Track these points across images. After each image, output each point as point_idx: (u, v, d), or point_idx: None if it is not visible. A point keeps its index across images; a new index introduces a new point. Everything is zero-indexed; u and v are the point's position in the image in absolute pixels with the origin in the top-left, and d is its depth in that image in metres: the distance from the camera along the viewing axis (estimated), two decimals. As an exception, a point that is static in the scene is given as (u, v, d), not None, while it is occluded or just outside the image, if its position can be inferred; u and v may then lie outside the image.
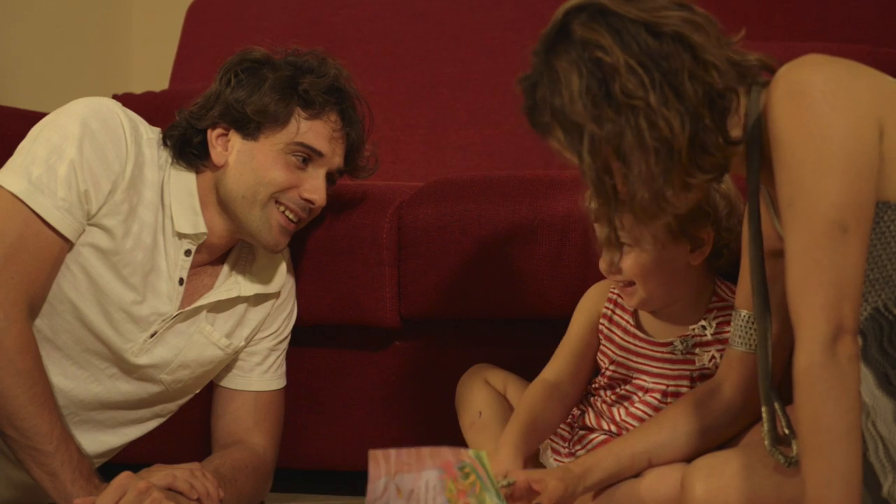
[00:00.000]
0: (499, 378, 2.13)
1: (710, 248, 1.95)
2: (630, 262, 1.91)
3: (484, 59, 3.14)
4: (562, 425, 2.06)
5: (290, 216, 2.06)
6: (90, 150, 1.95)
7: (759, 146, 1.56)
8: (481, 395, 2.11)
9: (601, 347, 2.04)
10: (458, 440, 2.10)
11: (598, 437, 2.01)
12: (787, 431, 1.61)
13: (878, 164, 1.47)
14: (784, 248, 1.50)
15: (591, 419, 2.03)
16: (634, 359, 2.00)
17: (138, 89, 3.32)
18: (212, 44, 3.43)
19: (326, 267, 2.25)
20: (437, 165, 3.05)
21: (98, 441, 2.10)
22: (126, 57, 4.01)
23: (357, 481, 2.45)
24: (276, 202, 2.05)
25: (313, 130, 2.06)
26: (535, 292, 2.16)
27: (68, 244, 1.96)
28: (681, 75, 1.53)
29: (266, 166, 2.04)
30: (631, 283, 1.93)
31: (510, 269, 2.16)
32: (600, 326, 2.04)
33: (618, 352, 2.01)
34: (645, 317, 2.02)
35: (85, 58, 3.87)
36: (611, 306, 2.05)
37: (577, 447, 2.02)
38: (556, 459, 2.04)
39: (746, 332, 1.82)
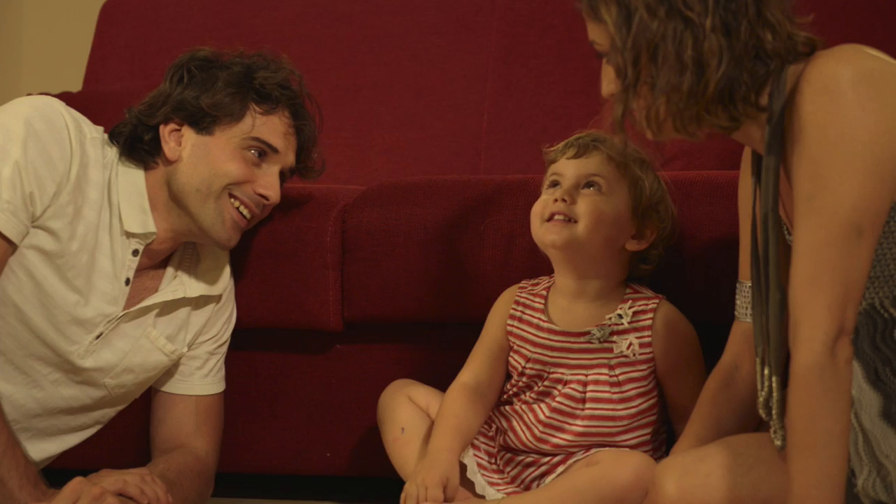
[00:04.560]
0: (421, 395, 2.13)
1: (646, 247, 2.02)
2: (591, 202, 1.97)
3: (408, 63, 3.15)
4: (485, 440, 2.08)
5: (244, 211, 2.05)
6: (35, 151, 1.91)
7: (781, 125, 1.55)
8: (404, 411, 2.11)
9: (514, 348, 2.07)
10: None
11: (526, 459, 2.03)
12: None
13: None
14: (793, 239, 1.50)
15: (512, 439, 2.04)
16: (550, 354, 2.02)
17: (27, 91, 3.25)
18: (127, 44, 3.39)
19: (269, 269, 2.23)
20: (362, 169, 3.05)
21: (38, 449, 2.07)
22: (16, 57, 3.94)
23: (297, 485, 2.46)
24: (231, 196, 2.04)
25: (268, 126, 2.07)
26: (480, 296, 2.16)
27: (12, 247, 1.92)
28: (740, 18, 1.52)
29: (221, 159, 2.04)
30: (572, 221, 1.97)
31: (456, 272, 2.17)
32: (509, 328, 2.07)
33: (532, 349, 2.04)
34: (556, 312, 2.05)
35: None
36: (519, 308, 2.08)
37: (508, 468, 2.05)
38: (483, 475, 2.05)
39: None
